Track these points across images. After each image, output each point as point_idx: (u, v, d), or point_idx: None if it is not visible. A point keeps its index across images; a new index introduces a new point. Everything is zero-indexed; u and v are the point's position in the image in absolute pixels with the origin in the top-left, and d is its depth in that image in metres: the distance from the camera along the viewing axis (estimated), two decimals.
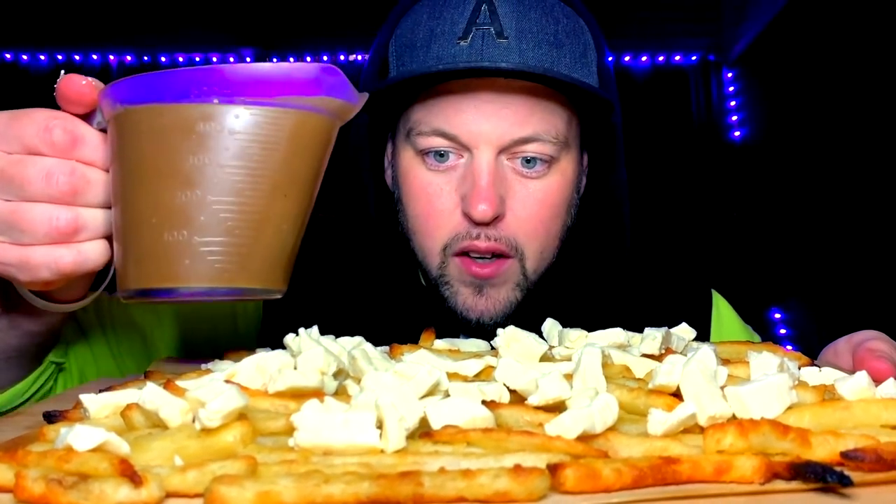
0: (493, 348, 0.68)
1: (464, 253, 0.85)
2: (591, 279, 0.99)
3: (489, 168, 0.83)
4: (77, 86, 0.56)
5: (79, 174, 0.56)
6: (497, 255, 0.85)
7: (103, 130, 0.57)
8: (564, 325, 0.73)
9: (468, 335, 0.93)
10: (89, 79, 0.56)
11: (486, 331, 0.87)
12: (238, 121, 0.52)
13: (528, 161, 0.85)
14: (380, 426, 0.42)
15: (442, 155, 0.85)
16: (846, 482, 0.37)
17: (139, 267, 0.54)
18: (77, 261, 0.57)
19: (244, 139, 0.52)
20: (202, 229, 0.52)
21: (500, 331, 0.63)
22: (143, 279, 0.54)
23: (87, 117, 0.57)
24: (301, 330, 0.58)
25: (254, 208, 0.53)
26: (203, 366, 0.64)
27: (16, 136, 0.56)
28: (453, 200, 0.85)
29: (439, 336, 0.70)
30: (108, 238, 0.58)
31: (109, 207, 0.57)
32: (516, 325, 0.89)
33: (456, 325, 0.88)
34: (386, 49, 0.90)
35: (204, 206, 0.52)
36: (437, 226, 0.86)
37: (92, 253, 0.58)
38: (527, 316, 0.91)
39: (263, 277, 0.55)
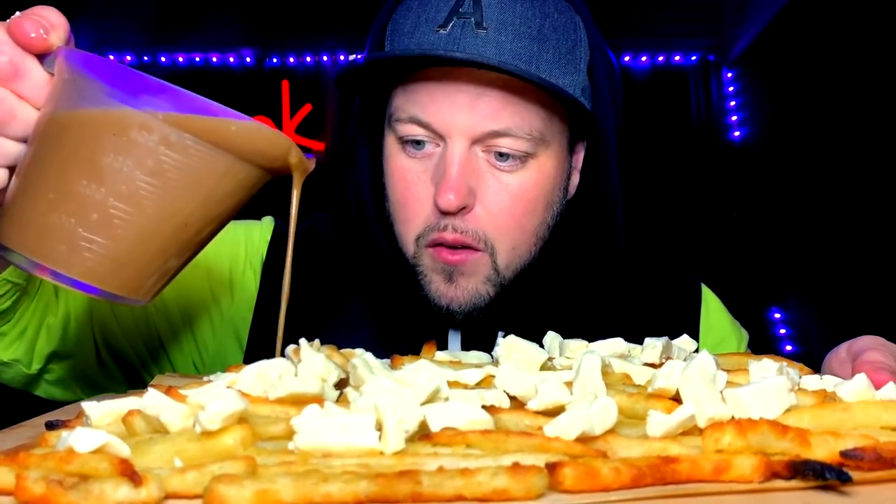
0: (494, 360, 0.68)
1: (435, 244, 0.86)
2: (582, 278, 0.98)
3: (460, 158, 0.82)
4: (25, 35, 0.55)
5: (6, 105, 0.55)
6: (465, 247, 0.85)
7: (52, 73, 0.55)
8: (555, 324, 0.72)
9: (443, 324, 0.92)
10: (42, 29, 0.55)
11: (456, 320, 0.88)
12: (173, 144, 0.51)
13: (502, 155, 0.84)
14: (379, 428, 0.42)
15: (419, 143, 0.85)
16: (845, 479, 0.37)
17: (19, 228, 0.54)
18: None
19: (170, 162, 0.51)
20: (90, 225, 0.52)
21: (500, 340, 0.63)
22: (18, 241, 0.54)
23: (42, 55, 0.56)
24: (302, 341, 0.58)
25: (147, 225, 0.52)
26: (205, 377, 0.66)
27: None
28: (428, 189, 0.85)
29: (418, 325, 0.68)
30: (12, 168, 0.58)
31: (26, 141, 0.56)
32: (502, 320, 0.90)
33: (430, 313, 0.88)
34: (382, 32, 0.90)
35: (101, 205, 0.51)
36: (413, 213, 0.87)
37: None
38: (514, 315, 0.91)
39: (130, 287, 0.54)
